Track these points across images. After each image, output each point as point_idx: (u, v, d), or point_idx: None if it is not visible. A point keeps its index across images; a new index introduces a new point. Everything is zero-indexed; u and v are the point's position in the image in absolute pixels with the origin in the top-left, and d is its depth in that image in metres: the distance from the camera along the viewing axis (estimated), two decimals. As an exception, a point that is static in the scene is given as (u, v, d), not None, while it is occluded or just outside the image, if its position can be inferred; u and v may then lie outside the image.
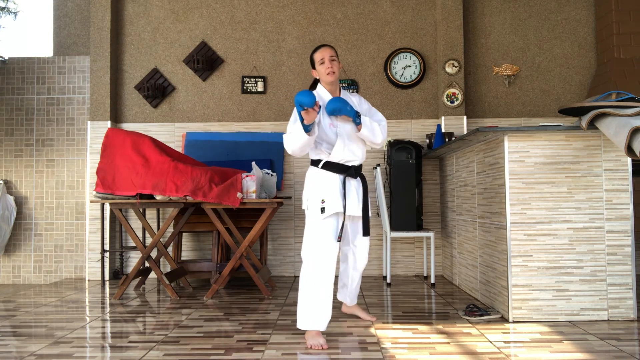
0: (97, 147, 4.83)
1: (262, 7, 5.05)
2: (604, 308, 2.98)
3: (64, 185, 5.07)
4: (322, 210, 2.66)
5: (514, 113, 4.94)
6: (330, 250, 2.66)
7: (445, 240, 4.63)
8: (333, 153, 2.71)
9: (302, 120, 2.52)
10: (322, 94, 2.81)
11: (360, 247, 2.97)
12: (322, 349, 2.51)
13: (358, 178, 2.84)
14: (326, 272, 2.64)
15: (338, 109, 2.60)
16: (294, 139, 2.62)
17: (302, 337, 2.72)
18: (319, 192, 2.71)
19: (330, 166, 2.73)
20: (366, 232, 2.84)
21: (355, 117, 2.67)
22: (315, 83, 2.90)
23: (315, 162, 2.79)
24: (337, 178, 2.74)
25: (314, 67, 2.83)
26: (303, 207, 2.81)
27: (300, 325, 2.65)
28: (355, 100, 2.91)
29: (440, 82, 4.87)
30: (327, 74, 2.74)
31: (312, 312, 2.62)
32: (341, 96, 2.84)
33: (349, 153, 2.74)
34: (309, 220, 2.73)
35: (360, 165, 2.86)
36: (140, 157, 3.93)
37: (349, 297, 3.14)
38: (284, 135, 2.72)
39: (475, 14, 5.01)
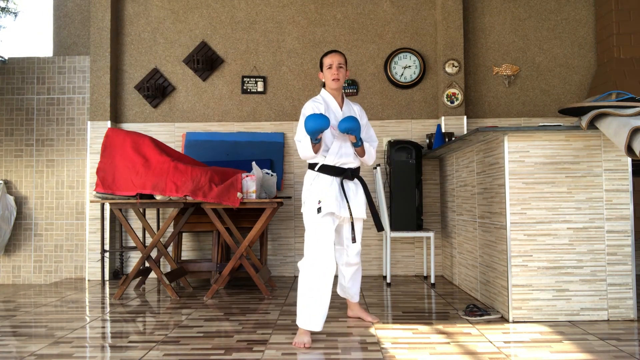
0: (97, 147, 4.83)
1: (262, 7, 5.05)
2: (604, 308, 2.98)
3: (64, 185, 5.07)
4: (319, 210, 2.71)
5: (514, 113, 4.94)
6: (327, 251, 2.69)
7: (445, 240, 4.63)
8: (328, 155, 2.77)
9: (312, 139, 2.62)
10: (327, 98, 2.90)
11: (351, 248, 3.00)
12: (305, 347, 2.55)
13: (356, 180, 2.92)
14: (322, 272, 2.67)
15: (353, 129, 2.66)
16: (305, 149, 2.72)
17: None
18: (316, 193, 2.76)
19: (326, 169, 2.79)
20: (380, 227, 2.93)
21: (359, 141, 2.77)
22: (324, 85, 3.00)
23: (311, 165, 2.85)
24: (334, 180, 2.80)
25: (322, 70, 2.92)
26: (302, 210, 2.85)
27: (298, 323, 2.69)
28: (356, 110, 3.00)
29: (440, 82, 4.87)
30: (333, 79, 2.84)
31: (307, 312, 2.67)
32: (345, 105, 2.94)
33: (344, 156, 2.81)
34: (306, 222, 2.78)
35: (358, 168, 2.94)
36: (140, 157, 3.93)
37: (349, 295, 3.17)
38: (296, 140, 2.78)
39: (475, 14, 5.01)
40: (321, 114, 2.56)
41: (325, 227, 2.72)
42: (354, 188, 2.87)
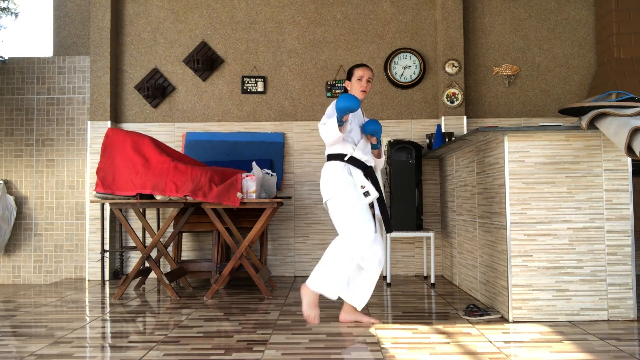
0: (97, 147, 4.83)
1: (262, 7, 5.05)
2: (604, 308, 2.98)
3: (64, 185, 5.07)
4: (367, 194, 2.88)
5: (514, 113, 4.94)
6: (371, 231, 2.86)
7: (445, 240, 4.63)
8: (357, 150, 2.96)
9: (339, 118, 2.78)
10: None
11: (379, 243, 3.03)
12: (313, 321, 2.80)
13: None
14: (363, 249, 2.83)
15: (377, 131, 2.97)
16: (329, 132, 2.84)
17: (302, 336, 2.72)
18: (355, 179, 2.92)
19: (354, 162, 2.96)
20: (388, 228, 3.04)
21: (378, 143, 3.06)
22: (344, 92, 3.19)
23: (338, 157, 2.97)
24: (361, 173, 2.96)
25: (349, 79, 3.11)
26: (326, 199, 2.96)
27: (314, 285, 2.85)
28: (366, 119, 3.22)
29: (440, 82, 4.87)
30: (362, 91, 3.05)
31: (338, 280, 2.84)
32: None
33: (368, 153, 3.03)
34: (344, 206, 2.88)
35: None
36: (140, 157, 3.93)
37: (360, 301, 3.06)
38: (319, 125, 2.95)
39: (475, 14, 5.01)
40: (353, 96, 2.73)
41: (368, 210, 2.90)
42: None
